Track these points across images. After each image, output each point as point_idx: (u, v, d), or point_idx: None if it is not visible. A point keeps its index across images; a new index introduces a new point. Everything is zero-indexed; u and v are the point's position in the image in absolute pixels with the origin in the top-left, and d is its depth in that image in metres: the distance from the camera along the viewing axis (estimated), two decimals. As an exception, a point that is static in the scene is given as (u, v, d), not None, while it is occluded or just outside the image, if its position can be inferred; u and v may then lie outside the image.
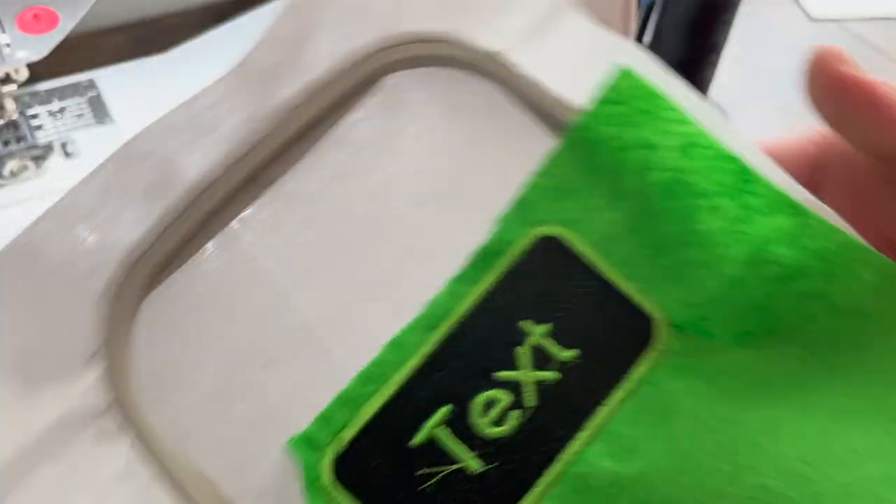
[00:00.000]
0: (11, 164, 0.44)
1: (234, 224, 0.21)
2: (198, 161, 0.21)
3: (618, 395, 0.20)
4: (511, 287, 0.21)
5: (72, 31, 0.46)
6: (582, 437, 0.19)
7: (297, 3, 0.23)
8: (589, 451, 0.19)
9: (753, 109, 0.66)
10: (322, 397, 0.20)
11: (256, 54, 0.22)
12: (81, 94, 0.48)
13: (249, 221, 0.21)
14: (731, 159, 0.20)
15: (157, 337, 0.20)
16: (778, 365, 0.20)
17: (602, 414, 0.20)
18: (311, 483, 0.19)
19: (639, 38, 0.61)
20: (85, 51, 0.57)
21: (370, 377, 0.20)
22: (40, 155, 0.45)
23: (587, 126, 0.21)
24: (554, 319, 0.20)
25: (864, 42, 0.72)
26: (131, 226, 0.21)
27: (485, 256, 0.21)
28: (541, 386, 0.20)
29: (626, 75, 0.21)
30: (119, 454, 0.20)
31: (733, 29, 0.57)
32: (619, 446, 0.19)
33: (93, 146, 0.45)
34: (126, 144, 0.21)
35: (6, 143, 0.45)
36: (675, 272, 0.20)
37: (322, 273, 0.21)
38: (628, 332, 0.20)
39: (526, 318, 0.20)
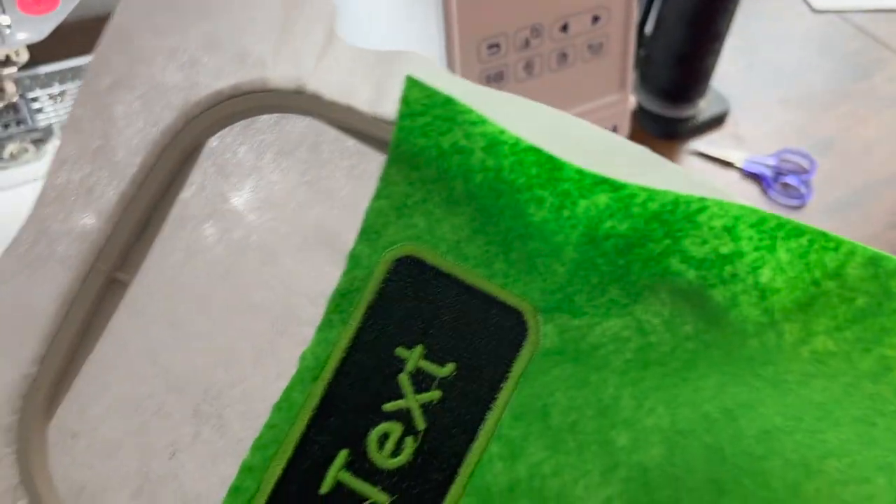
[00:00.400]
0: (11, 147, 0.44)
1: (106, 334, 0.22)
2: (44, 294, 0.22)
3: (501, 398, 0.20)
4: (378, 318, 0.21)
5: (71, 18, 0.45)
6: (474, 448, 0.20)
7: (78, 116, 0.22)
8: (484, 461, 0.20)
9: (755, 100, 0.66)
10: (229, 470, 0.21)
11: (59, 178, 0.22)
12: (82, 78, 0.48)
13: (116, 329, 0.22)
14: (533, 150, 0.21)
15: (71, 457, 0.22)
16: (650, 327, 0.20)
17: (489, 421, 0.20)
18: None
19: (641, 28, 0.61)
20: (84, 37, 0.57)
21: (267, 441, 0.21)
22: (40, 138, 0.44)
23: (401, 141, 0.21)
24: (426, 339, 0.21)
25: (865, 33, 0.72)
26: (8, 370, 0.22)
27: (343, 297, 0.21)
28: (426, 408, 0.20)
29: (412, 85, 0.21)
30: None
31: (735, 19, 0.57)
32: (509, 450, 0.20)
33: (93, 130, 0.45)
34: None
35: (6, 126, 0.45)
36: (528, 264, 0.21)
37: (200, 354, 0.22)
38: (501, 330, 0.20)
39: (399, 344, 0.21)
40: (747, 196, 0.58)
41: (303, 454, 0.21)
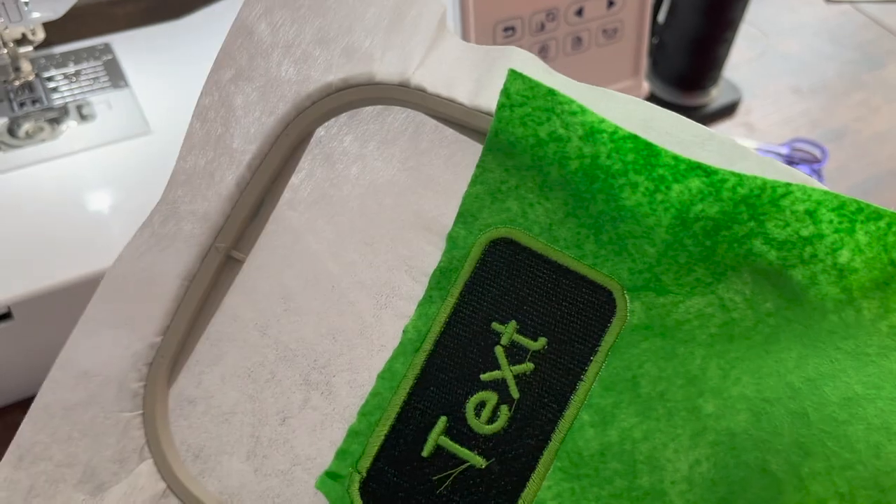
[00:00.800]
0: (27, 126, 0.44)
1: (221, 308, 0.25)
2: (170, 271, 0.24)
3: (591, 370, 0.22)
4: (475, 295, 0.23)
5: (86, 0, 0.45)
6: (566, 416, 0.22)
7: (204, 105, 0.25)
8: (575, 427, 0.21)
9: (767, 89, 0.66)
10: (337, 435, 0.23)
11: (188, 163, 0.25)
12: (97, 58, 0.48)
13: (230, 303, 0.25)
14: (631, 138, 0.22)
15: (189, 422, 0.24)
16: (733, 304, 0.21)
17: (580, 391, 0.22)
18: None
19: (654, 16, 0.61)
20: (99, 19, 0.57)
21: (372, 408, 0.23)
22: (56, 117, 0.45)
23: (499, 130, 0.23)
24: (519, 315, 0.22)
25: (878, 24, 0.71)
26: (137, 340, 0.24)
27: (443, 275, 0.23)
28: (520, 378, 0.22)
29: (515, 78, 0.23)
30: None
31: (749, 8, 0.57)
32: (600, 417, 0.21)
33: (108, 109, 0.45)
34: (108, 275, 0.25)
35: (22, 105, 0.45)
36: (618, 245, 0.22)
37: (309, 327, 0.24)
38: (590, 307, 0.22)
39: (494, 319, 0.22)
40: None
41: (405, 420, 0.23)
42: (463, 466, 0.22)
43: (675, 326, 0.21)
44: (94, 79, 0.47)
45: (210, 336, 0.25)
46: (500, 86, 0.23)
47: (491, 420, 0.22)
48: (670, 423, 0.21)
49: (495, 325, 0.23)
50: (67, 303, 0.38)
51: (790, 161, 0.59)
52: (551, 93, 0.23)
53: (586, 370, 0.22)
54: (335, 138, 0.25)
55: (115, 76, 0.48)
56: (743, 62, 0.68)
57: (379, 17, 0.25)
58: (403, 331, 0.23)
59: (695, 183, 0.22)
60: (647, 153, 0.22)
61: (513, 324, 0.22)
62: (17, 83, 0.45)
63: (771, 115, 0.63)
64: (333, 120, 0.24)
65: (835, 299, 0.21)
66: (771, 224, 0.21)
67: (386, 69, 0.24)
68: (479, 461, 0.22)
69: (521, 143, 0.23)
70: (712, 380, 0.21)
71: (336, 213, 0.24)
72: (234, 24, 0.25)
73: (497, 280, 0.23)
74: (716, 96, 0.63)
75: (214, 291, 0.25)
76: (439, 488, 0.22)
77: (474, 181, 0.23)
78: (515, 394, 0.22)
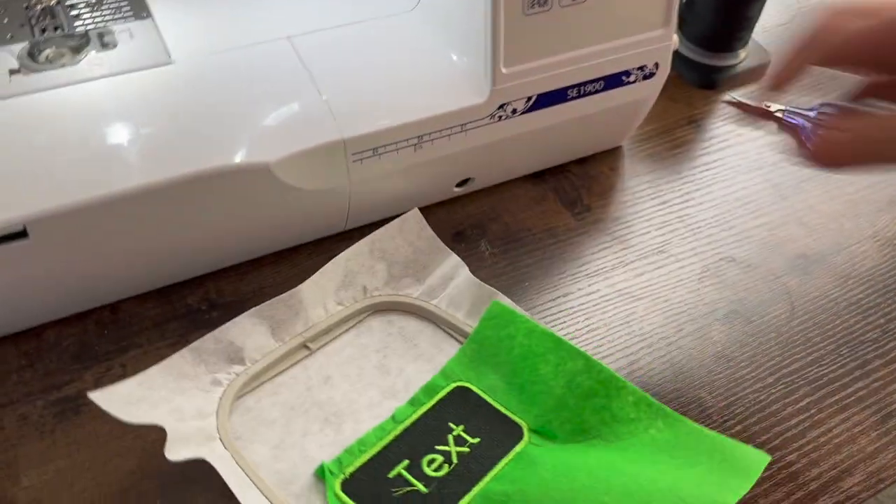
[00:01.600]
0: (48, 51, 0.44)
1: (290, 372, 0.41)
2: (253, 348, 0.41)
3: (506, 459, 0.38)
4: (442, 407, 0.39)
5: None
6: (485, 478, 0.37)
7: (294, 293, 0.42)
8: (490, 484, 0.36)
9: (797, 53, 0.64)
10: (334, 452, 0.38)
11: (271, 309, 0.41)
12: (119, -12, 0.48)
13: (294, 370, 0.41)
14: (548, 335, 0.41)
15: (246, 412, 0.39)
16: (591, 448, 0.37)
17: (497, 467, 0.37)
18: (331, 492, 0.36)
19: None
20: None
21: (363, 443, 0.38)
22: (77, 45, 0.44)
23: (478, 332, 0.42)
24: (466, 422, 0.39)
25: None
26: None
27: (428, 389, 0.40)
28: (460, 454, 0.38)
29: (496, 304, 0.43)
30: (220, 449, 0.36)
31: (766, 4, 0.56)
32: (507, 480, 0.37)
33: (130, 39, 0.45)
34: (196, 347, 0.39)
35: (43, 31, 0.45)
36: (531, 399, 0.39)
37: (339, 395, 0.40)
38: (508, 433, 0.39)
39: (451, 420, 0.39)
40: (784, 148, 0.57)
41: (383, 455, 0.37)
42: (411, 488, 0.36)
43: (560, 452, 0.38)
44: (116, 8, 0.47)
45: (275, 381, 0.41)
46: (483, 307, 0.43)
47: (437, 470, 0.37)
48: (556, 490, 0.35)
49: (451, 423, 0.39)
50: (82, 223, 0.38)
51: (816, 125, 0.57)
52: (513, 312, 0.42)
53: (502, 459, 0.38)
54: (371, 325, 0.44)
55: (137, 7, 0.47)
56: (773, 26, 0.67)
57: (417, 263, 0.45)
58: (397, 411, 0.39)
59: (579, 362, 0.40)
60: (556, 343, 0.40)
61: (463, 425, 0.39)
62: (38, 7, 0.45)
63: (799, 79, 0.62)
64: (375, 314, 0.44)
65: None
66: (615, 404, 0.38)
67: (416, 291, 0.44)
68: (423, 488, 0.36)
69: (489, 339, 0.42)
70: (584, 474, 0.36)
71: (362, 366, 0.42)
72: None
73: (456, 404, 0.40)
74: (744, 58, 0.62)
75: (288, 358, 0.41)
76: (393, 495, 0.36)
77: (456, 356, 0.42)
78: (455, 460, 0.37)
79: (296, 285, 0.42)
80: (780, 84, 0.37)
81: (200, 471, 0.34)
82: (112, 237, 0.40)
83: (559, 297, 0.46)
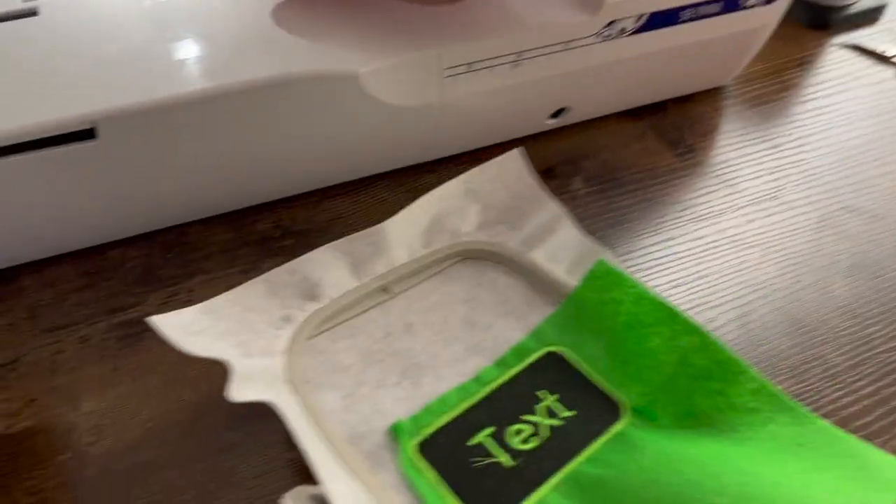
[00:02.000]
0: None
1: (370, 312, 0.37)
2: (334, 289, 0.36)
3: (601, 438, 0.32)
4: (532, 373, 0.34)
5: None
6: (578, 457, 0.32)
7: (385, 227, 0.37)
8: (582, 465, 0.31)
9: None
10: (409, 409, 0.33)
11: (351, 245, 0.36)
12: None
13: (373, 314, 0.37)
14: (663, 305, 0.35)
15: (318, 355, 0.35)
16: (701, 437, 0.32)
17: (592, 446, 0.32)
18: (405, 453, 0.31)
19: None
20: None
21: (445, 403, 0.33)
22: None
23: (579, 293, 0.37)
24: (560, 392, 0.34)
25: None
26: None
27: (518, 351, 0.35)
28: (552, 427, 0.33)
29: (601, 263, 0.37)
30: (287, 393, 0.32)
31: None
32: (602, 463, 0.31)
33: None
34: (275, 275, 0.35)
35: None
36: (636, 374, 0.34)
37: (419, 346, 0.35)
38: (606, 409, 0.33)
39: (542, 388, 0.34)
40: (906, 94, 0.52)
41: (464, 419, 0.33)
42: (493, 459, 0.31)
43: (663, 437, 0.32)
44: None
45: (351, 323, 0.36)
46: (585, 267, 0.37)
47: (524, 442, 0.32)
48: (656, 480, 0.30)
49: (541, 392, 0.34)
50: (153, 126, 0.34)
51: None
52: (619, 274, 0.36)
53: (597, 437, 0.32)
54: (459, 271, 0.39)
55: None
56: None
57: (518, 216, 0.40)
58: (482, 371, 0.34)
59: (696, 339, 0.34)
60: (671, 314, 0.34)
61: (556, 395, 0.34)
62: None
63: None
64: (466, 260, 0.39)
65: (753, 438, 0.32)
66: (732, 390, 0.32)
67: (513, 241, 0.39)
68: (507, 461, 0.31)
69: (589, 302, 0.36)
70: (691, 463, 0.30)
71: (452, 311, 0.37)
72: None
73: (546, 371, 0.35)
74: (861, -2, 0.56)
75: (368, 300, 0.37)
76: (473, 465, 0.31)
77: (549, 318, 0.37)
78: (546, 434, 0.32)
79: (374, 218, 0.38)
80: None
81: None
82: (182, 147, 0.36)
83: (663, 241, 0.42)
